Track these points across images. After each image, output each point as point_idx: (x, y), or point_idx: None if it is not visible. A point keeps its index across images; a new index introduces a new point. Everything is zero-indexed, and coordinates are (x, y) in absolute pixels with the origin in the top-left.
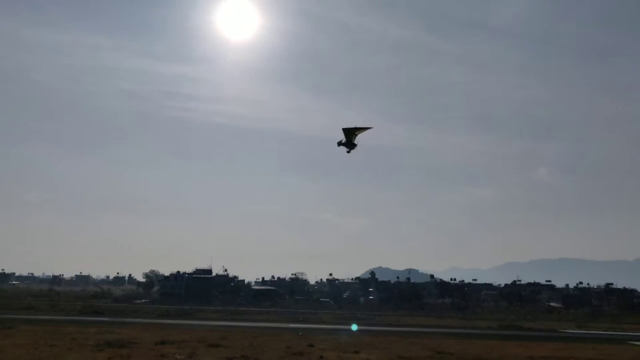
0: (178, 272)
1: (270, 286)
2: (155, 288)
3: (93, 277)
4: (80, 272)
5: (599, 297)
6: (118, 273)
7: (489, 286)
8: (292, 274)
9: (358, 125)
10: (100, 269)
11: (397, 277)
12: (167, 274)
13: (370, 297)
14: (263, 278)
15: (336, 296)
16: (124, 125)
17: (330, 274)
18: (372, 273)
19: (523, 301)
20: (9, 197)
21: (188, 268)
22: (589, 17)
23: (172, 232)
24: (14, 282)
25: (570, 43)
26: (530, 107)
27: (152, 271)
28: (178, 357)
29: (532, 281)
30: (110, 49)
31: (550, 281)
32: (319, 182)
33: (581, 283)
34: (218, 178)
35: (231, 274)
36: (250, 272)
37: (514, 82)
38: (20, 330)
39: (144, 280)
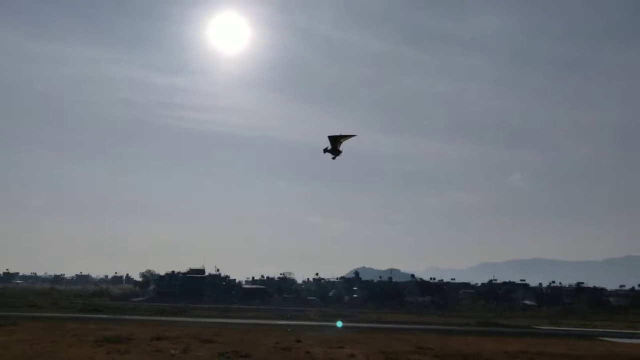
0: (173, 271)
1: (260, 285)
2: (151, 287)
3: (92, 276)
4: (81, 272)
5: (570, 295)
6: (116, 272)
7: (466, 285)
8: (281, 274)
9: (343, 133)
10: (100, 268)
11: (380, 277)
12: (162, 273)
13: (355, 296)
14: (253, 277)
15: (322, 295)
16: (122, 133)
17: (317, 274)
18: (356, 273)
19: (499, 299)
20: (13, 201)
21: (182, 268)
22: (561, 32)
23: (167, 233)
24: (18, 282)
25: (543, 56)
26: (505, 116)
27: (149, 271)
28: (173, 352)
29: (507, 280)
30: (109, 61)
31: (524, 280)
32: (306, 186)
33: (553, 282)
34: (211, 182)
35: (223, 273)
36: (241, 271)
37: (490, 92)
38: (24, 326)
39: (140, 279)
